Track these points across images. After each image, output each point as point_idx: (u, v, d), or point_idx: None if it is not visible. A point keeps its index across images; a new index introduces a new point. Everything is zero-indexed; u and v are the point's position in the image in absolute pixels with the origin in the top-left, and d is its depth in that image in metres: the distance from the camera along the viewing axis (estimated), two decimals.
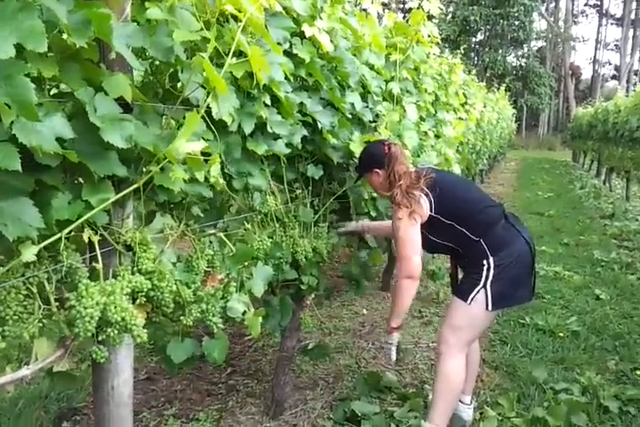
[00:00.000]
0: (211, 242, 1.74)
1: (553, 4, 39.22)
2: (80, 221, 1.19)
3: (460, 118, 5.15)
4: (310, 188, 2.33)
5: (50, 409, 2.60)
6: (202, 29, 1.37)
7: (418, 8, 3.06)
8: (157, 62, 1.48)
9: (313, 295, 2.59)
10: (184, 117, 1.33)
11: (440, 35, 3.42)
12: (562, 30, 33.88)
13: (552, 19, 36.36)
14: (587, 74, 46.50)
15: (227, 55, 1.43)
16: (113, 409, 1.49)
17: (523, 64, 30.25)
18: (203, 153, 1.39)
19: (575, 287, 4.69)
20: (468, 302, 2.20)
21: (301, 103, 2.05)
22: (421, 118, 3.57)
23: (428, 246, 2.30)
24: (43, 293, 1.24)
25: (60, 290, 1.29)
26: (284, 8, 1.87)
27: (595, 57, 43.34)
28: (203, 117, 1.41)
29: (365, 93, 2.69)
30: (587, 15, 48.71)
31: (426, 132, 3.62)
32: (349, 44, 2.49)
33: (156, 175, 1.32)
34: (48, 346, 1.29)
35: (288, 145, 1.97)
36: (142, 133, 1.27)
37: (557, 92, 37.52)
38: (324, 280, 2.54)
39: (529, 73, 28.85)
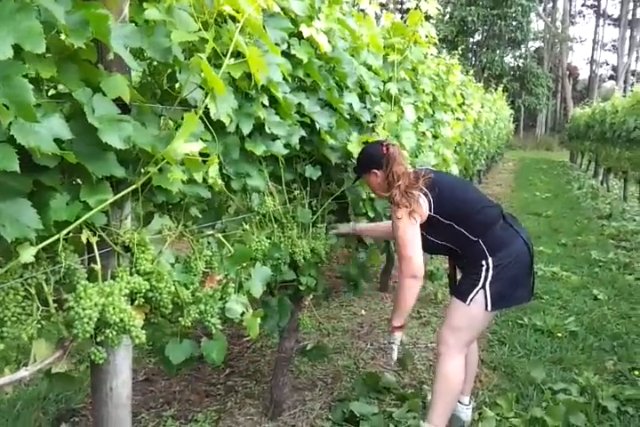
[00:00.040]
0: (209, 243, 1.74)
1: (550, 5, 39.34)
2: (78, 222, 1.19)
3: (458, 119, 5.16)
4: (308, 188, 2.33)
5: (48, 410, 2.60)
6: (200, 30, 1.36)
7: (415, 8, 3.07)
8: (155, 63, 1.48)
9: (311, 296, 2.59)
10: (182, 118, 1.33)
11: (438, 35, 3.42)
12: (559, 31, 33.95)
13: (549, 19, 36.45)
14: (584, 74, 46.58)
15: (225, 56, 1.43)
16: (111, 410, 1.49)
17: (520, 64, 30.29)
18: (201, 154, 1.39)
19: (573, 288, 4.69)
20: (468, 302, 2.21)
21: (299, 104, 2.05)
22: (419, 119, 3.58)
23: (427, 247, 2.30)
24: (41, 294, 1.24)
25: (58, 291, 1.29)
26: (282, 9, 1.88)
27: (592, 57, 43.50)
28: (201, 118, 1.41)
29: (363, 94, 2.69)
30: (584, 16, 48.87)
31: (424, 133, 3.63)
32: (347, 45, 2.49)
33: (154, 176, 1.32)
34: (47, 347, 1.29)
35: (286, 146, 1.97)
36: (140, 134, 1.27)
37: (555, 92, 37.59)
38: (323, 281, 2.54)
39: (526, 73, 28.90)
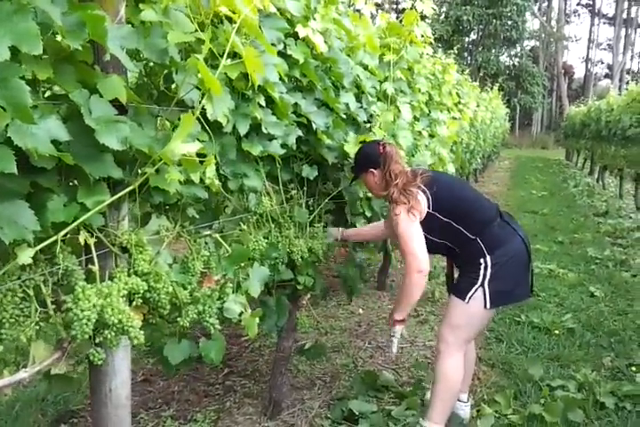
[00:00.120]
0: (206, 243, 1.74)
1: (545, 4, 39.38)
2: (76, 223, 1.19)
3: (454, 118, 5.17)
4: (305, 188, 2.33)
5: (47, 412, 2.59)
6: (196, 31, 1.37)
7: (411, 8, 3.07)
8: (152, 64, 1.48)
9: (309, 295, 2.60)
10: (179, 119, 1.33)
11: (433, 35, 3.43)
12: (554, 30, 34.00)
13: (545, 18, 36.51)
14: (579, 73, 46.77)
15: (221, 56, 1.43)
16: (111, 411, 1.49)
17: (516, 63, 30.35)
18: (198, 154, 1.39)
19: (570, 285, 4.71)
20: (467, 300, 2.21)
21: (296, 104, 2.05)
22: (415, 118, 3.59)
23: (426, 246, 2.30)
24: (39, 295, 1.24)
25: (56, 293, 1.29)
26: (278, 9, 1.88)
27: (587, 56, 43.54)
28: (197, 119, 1.41)
29: (360, 94, 2.70)
30: (579, 15, 48.99)
31: (420, 132, 3.64)
32: (343, 45, 2.49)
33: (151, 177, 1.33)
34: (45, 349, 1.29)
35: (283, 146, 1.97)
36: (137, 135, 1.27)
37: (550, 91, 37.66)
38: (320, 280, 2.55)
39: (522, 72, 28.95)
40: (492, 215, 2.29)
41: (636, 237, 6.56)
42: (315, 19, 2.15)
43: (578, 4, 47.11)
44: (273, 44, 1.79)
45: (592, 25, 44.33)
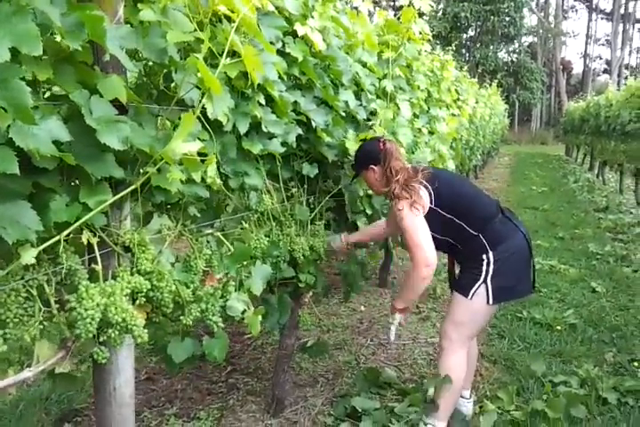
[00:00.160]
0: (208, 242, 1.75)
1: (543, 0, 39.33)
2: (78, 223, 1.20)
3: (453, 115, 5.17)
4: (306, 186, 2.34)
5: (51, 411, 2.60)
6: (195, 30, 1.37)
7: (408, 5, 3.07)
8: (151, 63, 1.49)
9: (311, 293, 2.60)
10: (179, 118, 1.34)
11: (431, 32, 3.43)
12: (552, 25, 33.98)
13: (542, 14, 36.46)
14: (578, 68, 46.74)
15: (220, 55, 1.43)
16: (115, 410, 1.49)
17: (514, 60, 30.31)
18: (199, 153, 1.40)
19: (571, 281, 4.71)
20: (470, 297, 2.22)
21: (295, 102, 2.06)
22: (415, 115, 3.59)
23: None
24: (43, 295, 1.24)
25: (59, 292, 1.30)
26: (276, 7, 1.88)
27: (585, 51, 43.53)
28: (198, 118, 1.41)
29: (359, 91, 2.70)
30: (576, 10, 48.92)
31: (420, 129, 3.64)
32: (342, 43, 2.50)
33: (153, 176, 1.33)
34: (49, 348, 1.30)
35: (283, 144, 1.98)
36: (138, 135, 1.27)
37: (549, 86, 37.65)
38: (322, 278, 2.55)
39: (520, 68, 28.92)
40: (493, 211, 2.29)
41: (636, 233, 6.56)
42: (313, 17, 2.15)
43: (575, 0, 47.12)
44: (272, 43, 1.79)
45: (590, 20, 44.35)
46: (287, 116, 1.96)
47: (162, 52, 1.35)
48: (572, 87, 41.24)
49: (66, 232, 1.19)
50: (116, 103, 1.23)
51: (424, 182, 2.21)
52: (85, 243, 1.27)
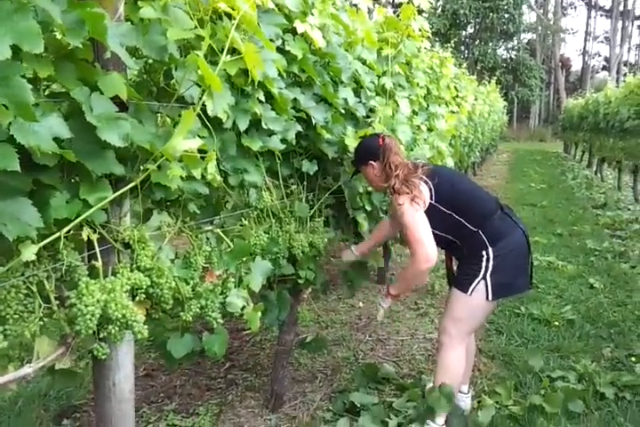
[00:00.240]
0: (208, 238, 1.75)
1: None
2: (79, 219, 1.20)
3: (452, 112, 5.17)
4: (305, 183, 2.34)
5: (49, 407, 2.61)
6: (195, 27, 1.37)
7: (408, 2, 3.07)
8: (151, 61, 1.49)
9: (310, 289, 2.61)
10: (179, 115, 1.34)
11: (430, 29, 3.43)
12: (551, 22, 33.93)
13: (541, 11, 36.40)
14: (577, 65, 46.65)
15: (221, 53, 1.44)
16: (115, 405, 1.50)
17: (513, 57, 30.30)
18: (198, 150, 1.40)
19: (569, 277, 4.73)
20: (469, 293, 2.23)
21: (295, 99, 2.06)
22: (414, 112, 3.59)
23: None
24: (43, 291, 1.25)
25: (59, 289, 1.31)
26: (276, 5, 1.88)
27: (584, 48, 43.51)
28: (198, 115, 1.42)
29: (358, 88, 2.70)
30: (575, 7, 48.85)
31: (419, 126, 3.64)
32: (341, 40, 2.49)
33: (153, 173, 1.34)
34: (49, 344, 1.30)
35: (283, 141, 1.98)
36: (138, 132, 1.28)
37: (548, 83, 37.62)
38: (321, 274, 2.56)
39: (519, 65, 28.90)
40: (492, 208, 2.30)
41: (634, 229, 6.58)
42: (312, 14, 2.15)
43: None
44: (271, 40, 1.79)
45: (589, 17, 44.28)
46: (287, 113, 1.97)
47: (162, 49, 1.35)
48: (570, 84, 41.20)
49: (66, 229, 1.19)
50: (116, 100, 1.23)
51: (424, 178, 2.21)
52: (85, 239, 1.28)
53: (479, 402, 2.62)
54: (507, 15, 26.46)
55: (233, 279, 1.76)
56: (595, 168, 12.78)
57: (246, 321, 1.81)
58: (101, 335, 1.33)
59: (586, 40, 43.75)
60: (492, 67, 26.22)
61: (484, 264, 2.20)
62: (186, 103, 1.49)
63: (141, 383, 2.85)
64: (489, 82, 12.24)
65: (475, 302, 2.24)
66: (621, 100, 9.15)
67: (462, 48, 29.19)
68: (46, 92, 1.23)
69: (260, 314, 1.83)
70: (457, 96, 5.81)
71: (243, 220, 1.96)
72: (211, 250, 1.70)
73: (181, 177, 1.40)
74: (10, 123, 0.97)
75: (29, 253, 1.11)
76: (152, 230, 1.51)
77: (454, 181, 2.35)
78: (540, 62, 33.13)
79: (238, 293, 1.75)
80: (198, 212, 1.68)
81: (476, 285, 2.21)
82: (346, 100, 2.45)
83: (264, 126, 1.84)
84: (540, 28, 35.49)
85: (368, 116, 2.76)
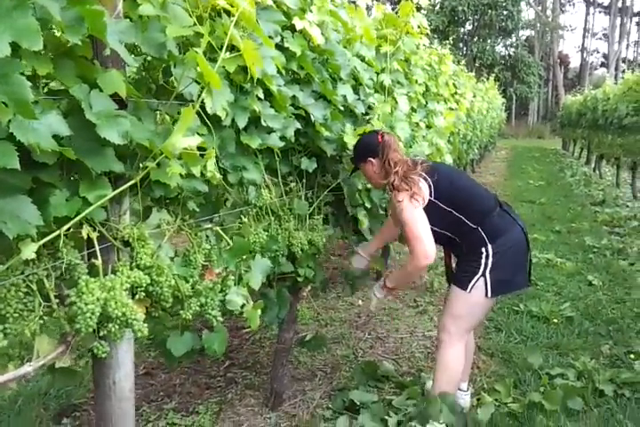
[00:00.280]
0: (207, 236, 1.75)
1: None
2: (78, 217, 1.20)
3: (451, 109, 5.17)
4: (304, 180, 2.34)
5: (49, 406, 2.61)
6: (194, 24, 1.37)
7: None
8: (150, 58, 1.48)
9: (309, 287, 2.61)
10: (178, 113, 1.34)
11: (429, 25, 3.42)
12: (550, 19, 33.89)
13: (540, 8, 36.34)
14: (575, 62, 46.64)
15: (220, 50, 1.43)
16: (115, 404, 1.50)
17: (511, 53, 30.26)
18: (197, 148, 1.40)
19: (568, 274, 4.73)
20: (468, 290, 2.23)
21: (294, 96, 2.05)
22: (413, 109, 3.58)
23: None
24: (43, 290, 1.25)
25: (59, 287, 1.30)
26: (275, 2, 1.88)
27: (583, 45, 43.49)
28: (197, 112, 1.41)
29: (357, 85, 2.70)
30: (574, 4, 48.90)
31: (417, 123, 3.63)
32: (340, 37, 2.49)
33: (152, 171, 1.33)
34: (49, 343, 1.30)
35: (282, 138, 1.98)
36: (138, 129, 1.28)
37: (546, 80, 37.61)
38: (320, 272, 2.56)
39: (518, 62, 28.87)
40: (491, 205, 2.30)
41: (632, 226, 6.58)
42: (311, 11, 2.15)
43: None
44: (270, 37, 1.79)
45: (587, 14, 44.27)
46: (286, 110, 1.96)
47: (161, 46, 1.35)
48: (569, 81, 41.21)
49: (66, 227, 1.19)
50: (115, 98, 1.23)
51: (423, 175, 2.21)
52: (85, 237, 1.28)
53: (478, 400, 2.62)
54: (505, 12, 26.43)
55: (232, 277, 1.76)
56: (593, 165, 12.78)
57: (246, 319, 1.81)
58: (101, 334, 1.33)
59: (584, 37, 43.77)
60: (490, 64, 26.20)
61: (483, 261, 2.21)
62: (185, 101, 1.48)
63: (141, 382, 2.85)
64: (487, 79, 12.23)
65: (474, 299, 2.24)
66: (620, 97, 9.15)
67: (461, 45, 29.16)
68: (45, 90, 1.22)
69: (259, 312, 1.83)
70: (455, 93, 5.80)
71: (242, 218, 1.96)
72: (210, 248, 1.70)
73: (181, 175, 1.40)
74: (9, 120, 0.97)
75: (29, 251, 1.11)
76: (151, 228, 1.50)
77: (453, 178, 2.34)
78: (539, 59, 33.10)
79: (238, 291, 1.75)
80: (197, 209, 1.68)
81: (476, 282, 2.21)
82: (345, 97, 2.45)
83: (263, 124, 1.84)
84: (538, 24, 35.43)
85: (366, 113, 2.75)
